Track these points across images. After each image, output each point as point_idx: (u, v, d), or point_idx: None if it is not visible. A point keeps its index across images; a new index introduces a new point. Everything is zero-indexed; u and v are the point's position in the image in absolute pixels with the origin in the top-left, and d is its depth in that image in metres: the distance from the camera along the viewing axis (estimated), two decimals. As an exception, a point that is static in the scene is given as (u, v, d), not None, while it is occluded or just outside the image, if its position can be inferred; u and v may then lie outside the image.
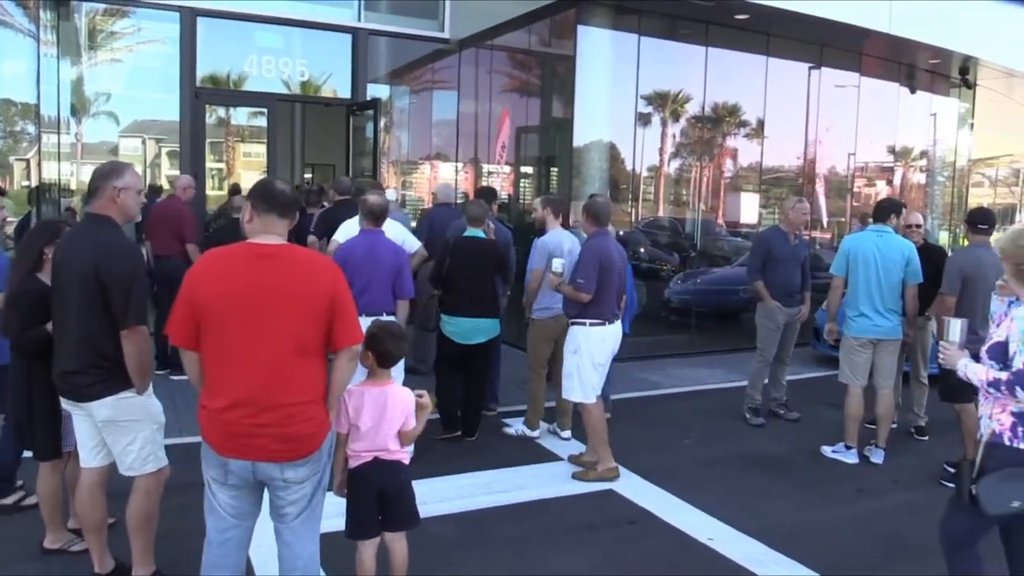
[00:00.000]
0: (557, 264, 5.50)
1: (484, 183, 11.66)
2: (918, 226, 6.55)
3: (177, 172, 9.76)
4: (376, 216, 5.46)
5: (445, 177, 12.45)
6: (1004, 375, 3.06)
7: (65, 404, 3.69)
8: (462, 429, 6.16)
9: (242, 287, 2.80)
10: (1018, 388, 3.00)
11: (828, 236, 12.01)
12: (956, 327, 3.39)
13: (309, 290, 2.84)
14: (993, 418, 3.15)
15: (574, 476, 5.48)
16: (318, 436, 2.95)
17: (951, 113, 13.45)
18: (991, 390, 3.11)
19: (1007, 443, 3.09)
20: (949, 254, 6.55)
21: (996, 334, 3.21)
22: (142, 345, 3.46)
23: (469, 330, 6.00)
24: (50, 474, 4.02)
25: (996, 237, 3.39)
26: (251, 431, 2.81)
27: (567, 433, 6.24)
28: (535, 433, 6.28)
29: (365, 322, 3.24)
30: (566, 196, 9.38)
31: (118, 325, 3.39)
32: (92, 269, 3.36)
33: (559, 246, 6.02)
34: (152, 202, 8.76)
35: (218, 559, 3.02)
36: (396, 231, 6.05)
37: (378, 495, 3.43)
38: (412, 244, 6.21)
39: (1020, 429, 3.07)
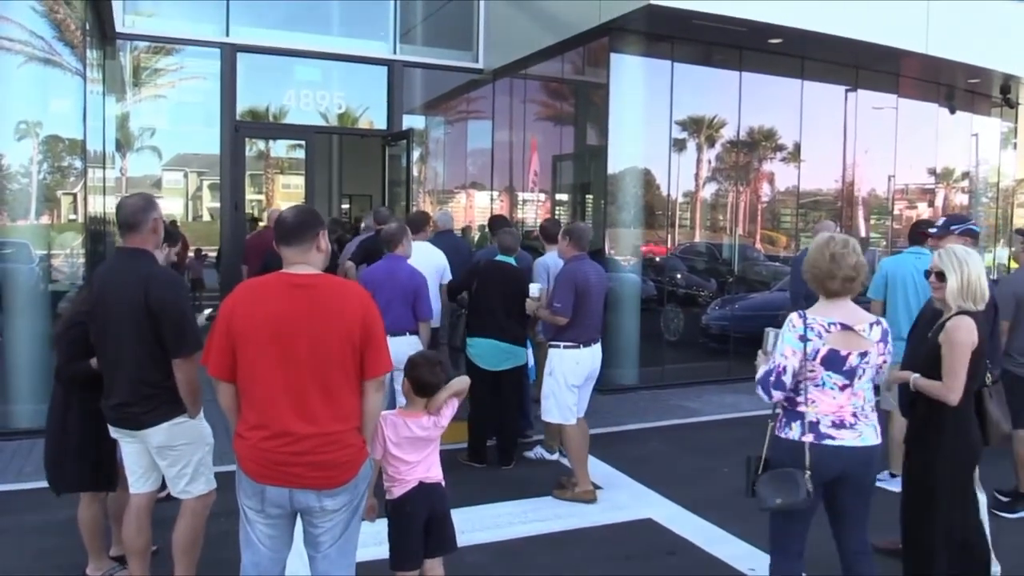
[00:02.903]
0: (535, 289, 5.65)
1: (519, 211, 11.73)
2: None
3: (218, 204, 9.95)
4: (387, 242, 5.86)
5: (481, 206, 12.53)
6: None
7: (115, 433, 3.72)
8: (499, 458, 6.16)
9: (277, 317, 2.83)
10: (759, 388, 3.34)
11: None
12: (771, 337, 3.54)
13: (343, 320, 2.87)
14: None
15: (553, 493, 5.56)
16: (355, 463, 2.96)
17: (993, 133, 13.24)
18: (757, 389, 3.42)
19: (778, 433, 3.38)
20: (993, 276, 6.41)
21: None
22: (193, 373, 3.52)
23: (492, 354, 6.03)
24: (90, 503, 4.08)
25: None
26: (289, 459, 2.83)
27: (555, 455, 6.34)
28: (554, 456, 6.36)
29: (390, 342, 3.23)
30: (601, 223, 9.40)
31: (170, 354, 3.45)
32: (142, 299, 3.42)
33: (557, 265, 6.13)
34: (246, 232, 9.87)
35: None
36: (435, 259, 6.32)
37: (425, 521, 3.43)
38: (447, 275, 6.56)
39: (783, 420, 3.36)
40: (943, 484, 3.74)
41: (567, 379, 5.47)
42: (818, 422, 3.28)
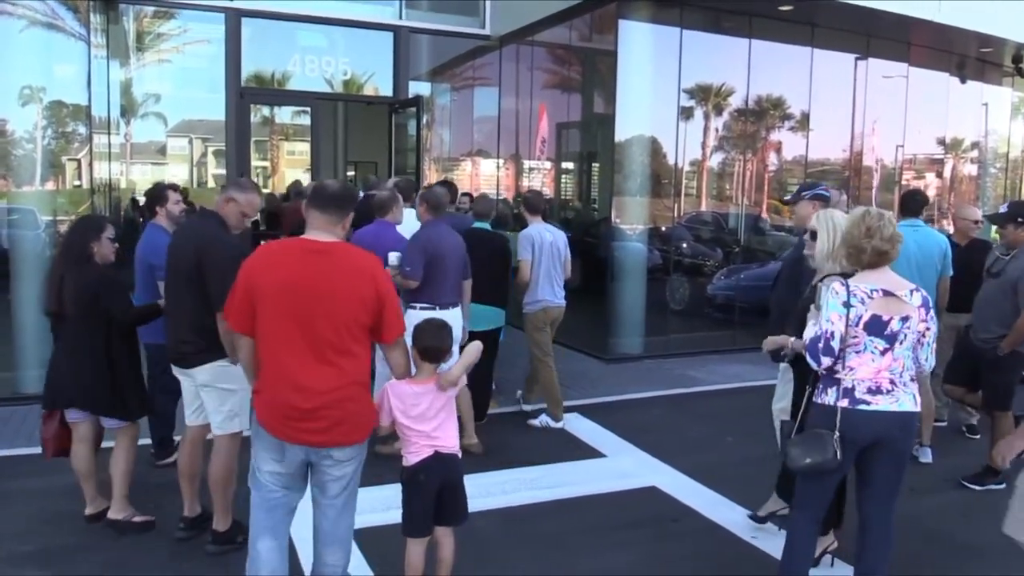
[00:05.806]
0: (393, 258, 5.67)
1: (525, 179, 11.68)
2: (975, 221, 6.38)
3: (223, 171, 9.91)
4: (378, 209, 6.05)
5: (487, 174, 12.47)
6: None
7: (175, 372, 4.18)
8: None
9: (292, 280, 2.97)
10: (808, 355, 3.39)
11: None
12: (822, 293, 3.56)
13: (355, 285, 3.01)
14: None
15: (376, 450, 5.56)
16: (366, 424, 3.14)
17: (1004, 102, 13.12)
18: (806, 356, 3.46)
19: (815, 399, 3.47)
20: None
21: None
22: None
23: (472, 316, 6.06)
24: (128, 443, 4.37)
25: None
26: (304, 416, 2.97)
27: (560, 423, 6.45)
28: (559, 423, 6.44)
29: None
30: (607, 191, 9.36)
31: (213, 307, 3.70)
32: (197, 256, 3.86)
33: (540, 236, 6.38)
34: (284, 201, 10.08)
35: (265, 523, 3.16)
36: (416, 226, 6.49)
37: (438, 490, 3.46)
38: None
39: (820, 386, 3.45)
40: None
41: None
42: (853, 388, 3.34)
